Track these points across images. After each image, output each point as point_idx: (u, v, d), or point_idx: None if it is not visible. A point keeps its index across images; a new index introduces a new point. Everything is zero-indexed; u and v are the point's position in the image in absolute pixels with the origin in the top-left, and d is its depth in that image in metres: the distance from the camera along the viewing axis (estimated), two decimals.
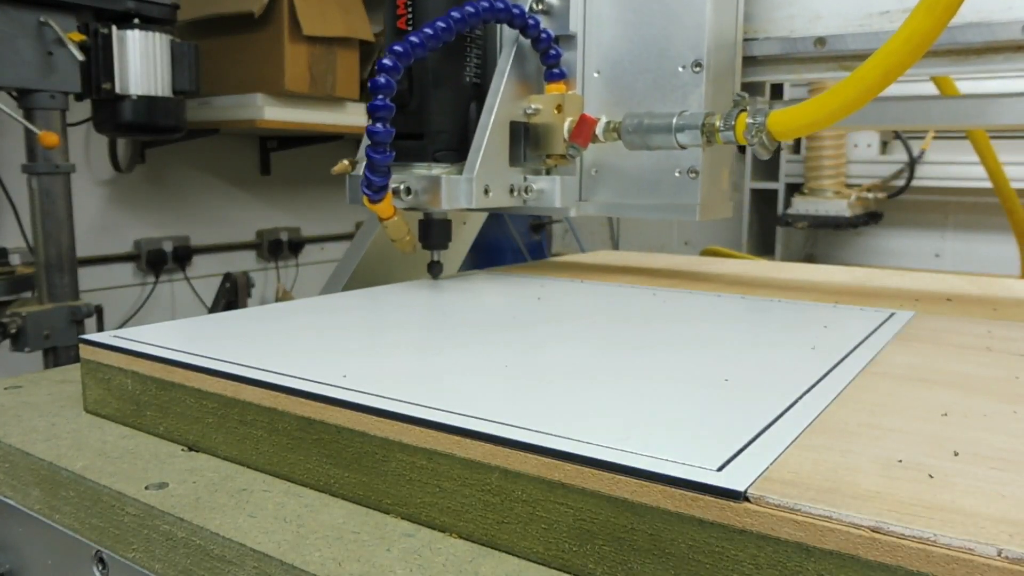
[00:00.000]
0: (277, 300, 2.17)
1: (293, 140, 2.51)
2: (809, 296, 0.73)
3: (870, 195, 2.63)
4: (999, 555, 0.24)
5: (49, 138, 1.44)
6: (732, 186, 0.83)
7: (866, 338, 0.54)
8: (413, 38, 0.64)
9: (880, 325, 0.58)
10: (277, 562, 0.33)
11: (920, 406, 0.39)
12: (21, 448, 0.44)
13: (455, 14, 0.67)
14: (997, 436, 0.34)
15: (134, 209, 2.24)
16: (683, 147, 0.69)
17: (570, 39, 0.79)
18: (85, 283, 1.85)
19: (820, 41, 0.78)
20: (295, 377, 0.42)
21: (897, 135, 2.61)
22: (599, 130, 0.73)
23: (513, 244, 2.58)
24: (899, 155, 2.63)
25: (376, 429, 0.37)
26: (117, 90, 1.64)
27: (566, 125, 0.74)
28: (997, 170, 1.27)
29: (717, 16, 0.75)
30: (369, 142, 0.64)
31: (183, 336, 0.52)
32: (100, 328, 1.68)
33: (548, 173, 0.79)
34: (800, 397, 0.39)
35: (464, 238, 1.06)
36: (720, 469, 0.30)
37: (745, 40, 0.82)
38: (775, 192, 2.77)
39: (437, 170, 0.72)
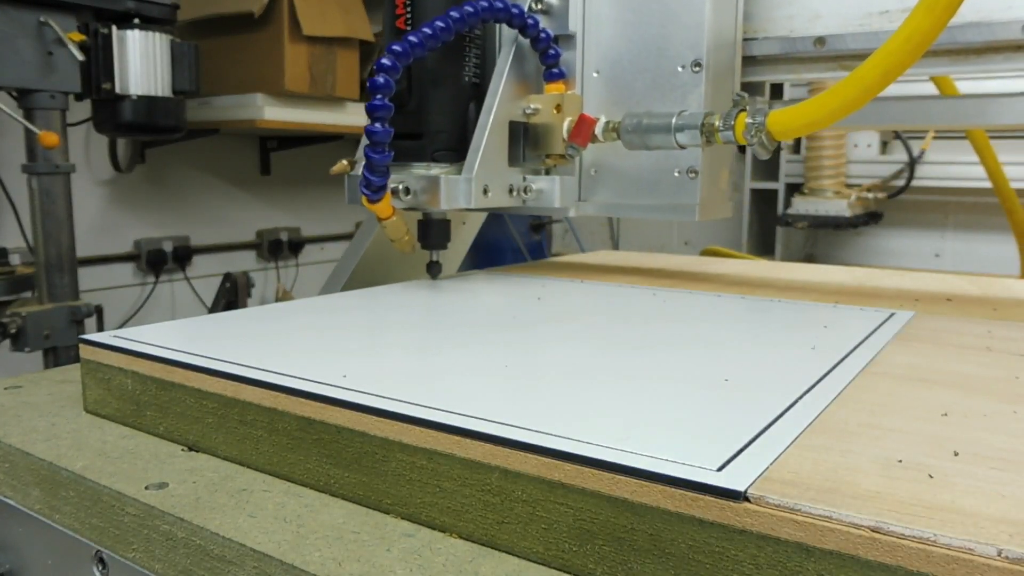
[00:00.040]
0: (277, 300, 2.17)
1: (293, 140, 2.51)
2: (809, 296, 0.73)
3: (870, 195, 2.63)
4: (999, 555, 0.24)
5: (49, 138, 1.44)
6: (732, 186, 0.83)
7: (866, 338, 0.54)
8: (412, 38, 0.64)
9: (880, 325, 0.58)
10: (277, 562, 0.33)
11: (920, 406, 0.39)
12: (21, 448, 0.44)
13: (454, 14, 0.67)
14: (997, 436, 0.34)
15: (134, 209, 2.24)
16: (682, 147, 0.69)
17: (569, 39, 0.79)
18: (85, 283, 1.85)
19: (820, 41, 0.78)
20: (295, 377, 0.42)
21: (897, 135, 2.61)
22: (598, 130, 0.73)
23: (513, 244, 2.58)
24: (899, 155, 2.63)
25: (376, 429, 0.37)
26: (117, 90, 1.64)
27: (565, 125, 0.74)
28: (996, 170, 1.27)
29: (716, 16, 0.75)
30: (368, 142, 0.64)
31: (183, 336, 0.52)
32: (100, 328, 1.68)
33: (547, 173, 0.79)
34: (800, 397, 0.39)
35: (463, 238, 1.06)
36: (720, 469, 0.30)
37: (744, 40, 0.82)
38: (775, 192, 2.78)
39: (436, 170, 0.72)
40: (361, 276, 0.92)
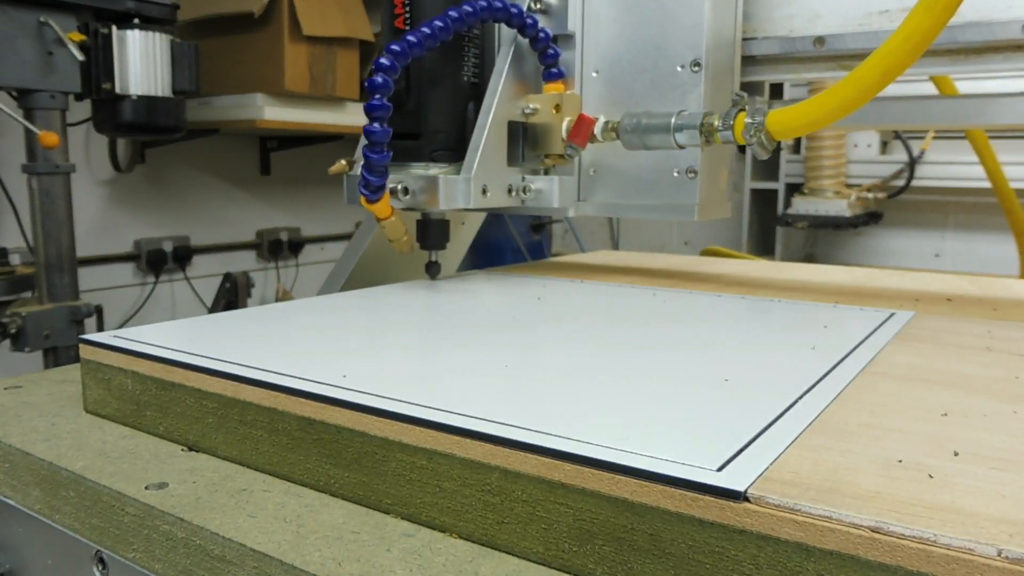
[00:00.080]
0: (277, 300, 2.17)
1: (293, 140, 2.51)
2: (809, 296, 0.73)
3: (870, 195, 2.63)
4: (999, 555, 0.24)
5: (49, 138, 1.44)
6: (732, 186, 0.83)
7: (866, 338, 0.54)
8: (411, 37, 0.64)
9: (880, 325, 0.59)
10: (277, 562, 0.33)
11: (920, 406, 0.39)
12: (21, 448, 0.44)
13: (453, 13, 0.67)
14: (997, 436, 0.34)
15: (134, 209, 2.24)
16: (681, 147, 0.69)
17: (568, 38, 0.79)
18: (85, 283, 1.85)
19: (819, 40, 0.78)
20: (295, 377, 0.42)
21: (897, 135, 2.61)
22: (597, 130, 0.73)
23: (513, 244, 2.58)
24: (899, 155, 2.63)
25: (376, 429, 0.37)
26: (117, 90, 1.64)
27: (564, 125, 0.74)
28: (996, 170, 1.27)
29: (716, 15, 0.75)
30: (366, 142, 0.64)
31: (183, 336, 0.52)
32: (100, 328, 1.68)
33: (546, 173, 0.79)
34: (800, 397, 0.39)
35: (462, 238, 1.06)
36: (720, 469, 0.30)
37: (744, 39, 0.82)
38: (775, 192, 2.78)
39: (435, 170, 0.72)
40: (360, 276, 0.92)
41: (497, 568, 0.32)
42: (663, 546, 0.29)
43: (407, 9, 0.71)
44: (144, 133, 1.82)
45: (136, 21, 1.63)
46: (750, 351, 0.50)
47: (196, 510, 0.37)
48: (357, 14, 2.19)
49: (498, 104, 0.72)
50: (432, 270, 0.79)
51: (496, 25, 0.78)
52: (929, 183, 2.58)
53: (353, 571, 0.32)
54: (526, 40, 0.75)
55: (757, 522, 0.28)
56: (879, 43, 0.56)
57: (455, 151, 0.73)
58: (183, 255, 2.33)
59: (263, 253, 2.58)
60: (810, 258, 2.91)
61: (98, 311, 1.65)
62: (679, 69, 0.76)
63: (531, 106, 0.75)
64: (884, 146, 2.68)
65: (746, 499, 0.28)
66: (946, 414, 0.37)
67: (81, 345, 0.51)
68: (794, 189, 2.71)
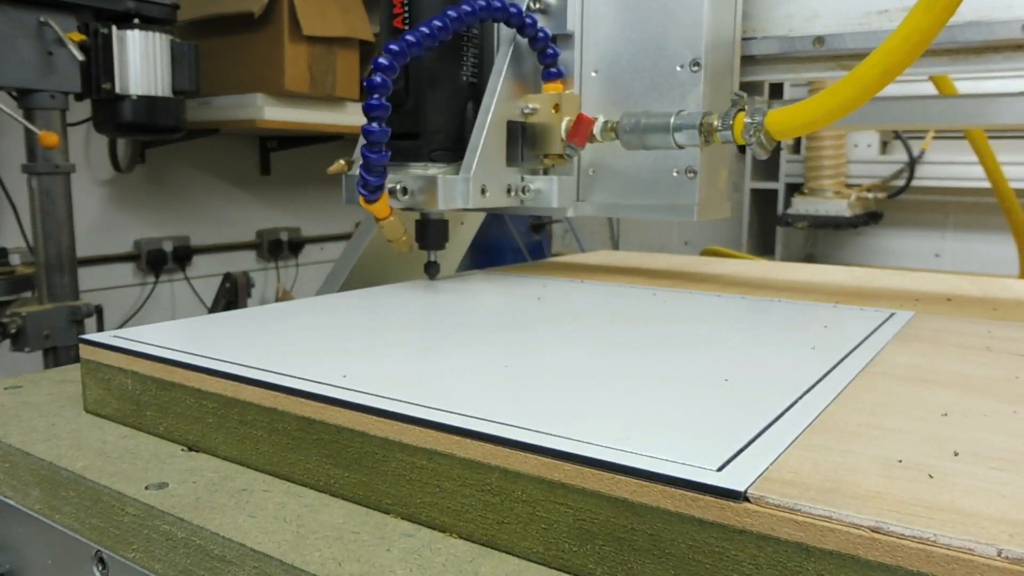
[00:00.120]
0: (277, 300, 2.17)
1: (293, 140, 2.51)
2: (809, 296, 0.73)
3: (870, 195, 2.63)
4: (999, 555, 0.24)
5: (49, 138, 1.44)
6: (732, 186, 0.83)
7: (866, 338, 0.54)
8: (409, 37, 0.64)
9: (880, 325, 0.59)
10: (277, 562, 0.33)
11: (920, 406, 0.39)
12: (21, 448, 0.44)
13: (452, 13, 0.66)
14: (997, 436, 0.34)
15: (134, 209, 2.24)
16: (680, 147, 0.69)
17: (567, 38, 0.79)
18: (85, 283, 1.85)
19: (818, 40, 0.78)
20: (295, 377, 0.42)
21: (897, 135, 2.61)
22: (596, 130, 0.73)
23: (513, 244, 2.58)
24: (899, 155, 2.63)
25: (376, 429, 0.37)
26: (117, 90, 1.64)
27: (563, 125, 0.74)
28: (995, 170, 1.27)
29: (715, 15, 0.75)
30: (365, 142, 0.64)
31: (183, 336, 0.52)
32: (100, 328, 1.68)
33: (545, 173, 0.79)
34: (800, 397, 0.39)
35: (462, 238, 1.06)
36: (720, 469, 0.30)
37: (743, 39, 0.82)
38: (775, 192, 2.78)
39: (433, 170, 0.72)
40: (359, 276, 0.92)
41: (497, 568, 0.32)
42: (663, 546, 0.29)
43: (406, 9, 0.71)
44: (144, 133, 1.82)
45: (136, 21, 1.63)
46: (750, 351, 0.50)
47: (196, 510, 0.37)
48: (357, 14, 2.19)
49: (497, 104, 0.72)
50: (431, 270, 0.79)
51: (495, 25, 0.78)
52: (929, 183, 2.58)
53: (353, 571, 0.32)
54: (525, 40, 0.75)
55: (757, 522, 0.28)
56: (878, 43, 0.56)
57: (454, 151, 0.73)
58: (183, 255, 2.33)
59: (263, 253, 2.58)
60: (810, 258, 2.91)
61: (98, 311, 1.65)
62: (678, 69, 0.76)
63: (530, 106, 0.75)
64: (884, 146, 2.68)
65: (746, 499, 0.28)
66: (946, 414, 0.38)
67: (81, 345, 0.51)
68: (794, 189, 2.71)
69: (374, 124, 0.63)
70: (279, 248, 2.61)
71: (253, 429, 0.42)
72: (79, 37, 1.51)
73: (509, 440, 0.33)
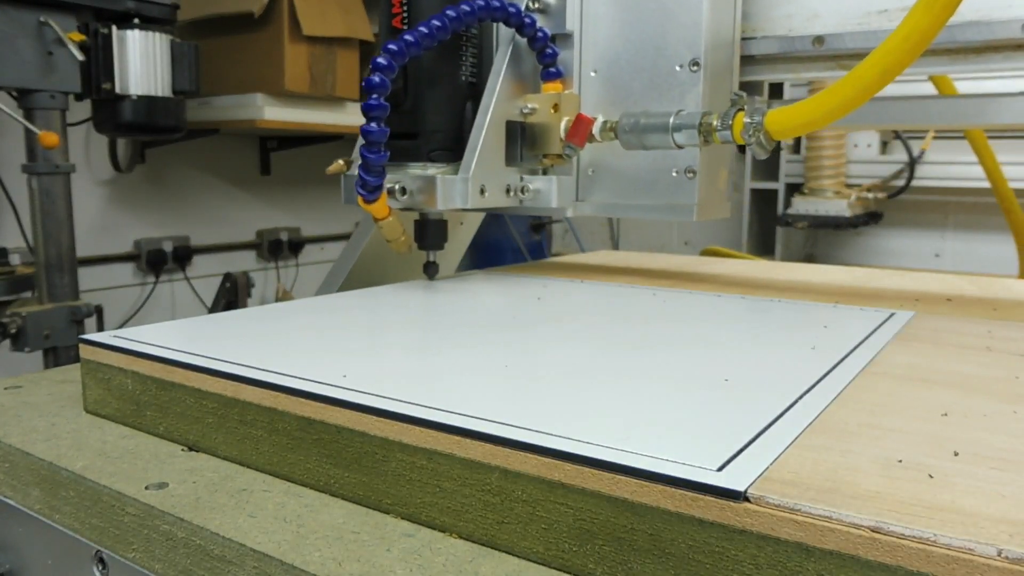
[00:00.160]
0: (277, 300, 2.17)
1: (293, 140, 2.51)
2: (809, 296, 0.73)
3: (870, 195, 2.63)
4: (999, 555, 0.24)
5: (49, 138, 1.44)
6: (732, 186, 0.83)
7: (866, 338, 0.54)
8: (408, 36, 0.64)
9: (880, 325, 0.59)
10: (277, 562, 0.33)
11: (920, 406, 0.39)
12: (21, 448, 0.44)
13: (451, 12, 0.66)
14: (997, 436, 0.34)
15: (134, 209, 2.24)
16: (680, 147, 0.69)
17: (567, 38, 0.79)
18: (85, 283, 1.85)
19: (818, 40, 0.78)
20: (295, 377, 0.42)
21: (897, 135, 2.61)
22: (596, 129, 0.73)
23: (513, 244, 2.58)
24: (899, 155, 2.63)
25: (376, 429, 0.37)
26: (117, 90, 1.64)
27: (562, 124, 0.74)
28: (995, 170, 1.27)
29: (714, 15, 0.75)
30: (363, 141, 0.64)
31: (183, 336, 0.52)
32: (100, 328, 1.68)
33: (545, 173, 0.79)
34: (800, 397, 0.39)
35: (461, 238, 1.06)
36: (720, 469, 0.30)
37: (743, 39, 0.82)
38: (775, 192, 2.78)
39: (432, 170, 0.72)
40: (358, 276, 0.92)
41: (497, 568, 0.32)
42: (663, 546, 0.29)
43: (405, 8, 0.71)
44: (144, 133, 1.82)
45: (136, 21, 1.64)
46: (750, 351, 0.50)
47: (196, 510, 0.37)
48: (357, 14, 2.19)
49: (496, 104, 0.72)
50: (430, 270, 0.79)
51: (494, 24, 0.78)
52: (929, 183, 2.58)
53: (353, 571, 0.32)
54: (524, 39, 0.75)
55: (757, 522, 0.28)
56: (878, 42, 0.56)
57: (453, 151, 0.73)
58: (183, 255, 2.33)
59: (263, 253, 2.58)
60: (810, 258, 2.91)
61: (98, 311, 1.65)
62: (678, 68, 0.76)
63: (529, 106, 0.75)
64: (884, 146, 2.68)
65: (746, 499, 0.28)
66: (946, 414, 0.38)
67: (81, 345, 0.51)
68: (794, 189, 2.71)
69: (373, 124, 0.63)
70: (279, 248, 2.61)
71: (253, 429, 0.42)
72: (79, 37, 1.51)
73: (509, 440, 0.33)
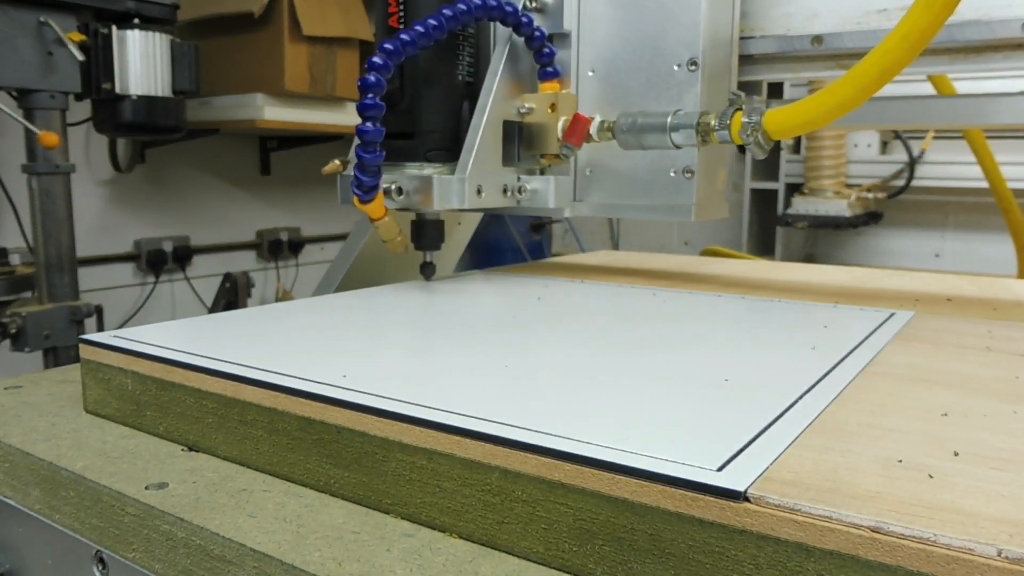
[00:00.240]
0: (277, 300, 2.17)
1: (293, 140, 2.51)
2: (809, 296, 0.73)
3: (870, 195, 2.63)
4: (999, 555, 0.24)
5: (49, 138, 1.44)
6: (732, 186, 0.83)
7: (866, 338, 0.54)
8: (404, 36, 0.64)
9: (880, 325, 0.59)
10: (277, 562, 0.33)
11: (920, 406, 0.39)
12: (21, 448, 0.44)
13: (447, 12, 0.66)
14: (997, 436, 0.34)
15: (134, 209, 2.24)
16: (678, 147, 0.69)
17: (564, 37, 0.79)
18: (85, 283, 1.85)
19: (817, 39, 0.78)
20: (295, 377, 0.42)
21: (897, 135, 2.61)
22: (593, 129, 0.72)
23: (513, 244, 2.58)
24: (899, 155, 2.63)
25: (376, 429, 0.37)
26: (117, 90, 1.64)
27: (560, 124, 0.74)
28: (993, 170, 1.27)
29: (713, 14, 0.75)
30: (359, 141, 0.64)
31: (183, 336, 0.52)
32: (100, 328, 1.68)
33: (542, 173, 0.79)
34: (800, 397, 0.39)
35: (459, 239, 1.06)
36: (720, 469, 0.30)
37: (741, 38, 0.82)
38: (775, 192, 2.78)
39: (429, 170, 0.72)
40: (356, 276, 0.92)
41: (497, 568, 0.32)
42: (663, 546, 0.29)
43: (401, 7, 0.71)
44: (144, 133, 1.82)
45: (136, 21, 1.63)
46: (750, 351, 0.50)
47: (196, 510, 0.37)
48: (357, 14, 2.19)
49: (493, 103, 0.72)
50: (427, 271, 0.78)
51: (491, 23, 0.78)
52: (929, 183, 2.58)
53: (353, 571, 0.32)
54: (521, 39, 0.75)
55: (757, 522, 0.28)
56: (877, 42, 0.56)
57: (450, 151, 0.73)
58: (183, 255, 2.33)
59: (263, 253, 2.58)
60: (810, 258, 2.91)
61: (98, 311, 1.65)
62: (676, 68, 0.76)
63: (526, 105, 0.75)
64: (884, 146, 2.68)
65: (746, 499, 0.28)
66: (946, 414, 0.38)
67: (81, 345, 0.51)
68: (794, 189, 2.71)
69: (368, 123, 0.63)
70: (279, 248, 2.61)
71: (253, 429, 0.42)
72: (79, 37, 1.51)
73: (509, 440, 0.33)
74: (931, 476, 0.30)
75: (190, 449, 0.45)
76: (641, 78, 0.77)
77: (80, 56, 1.50)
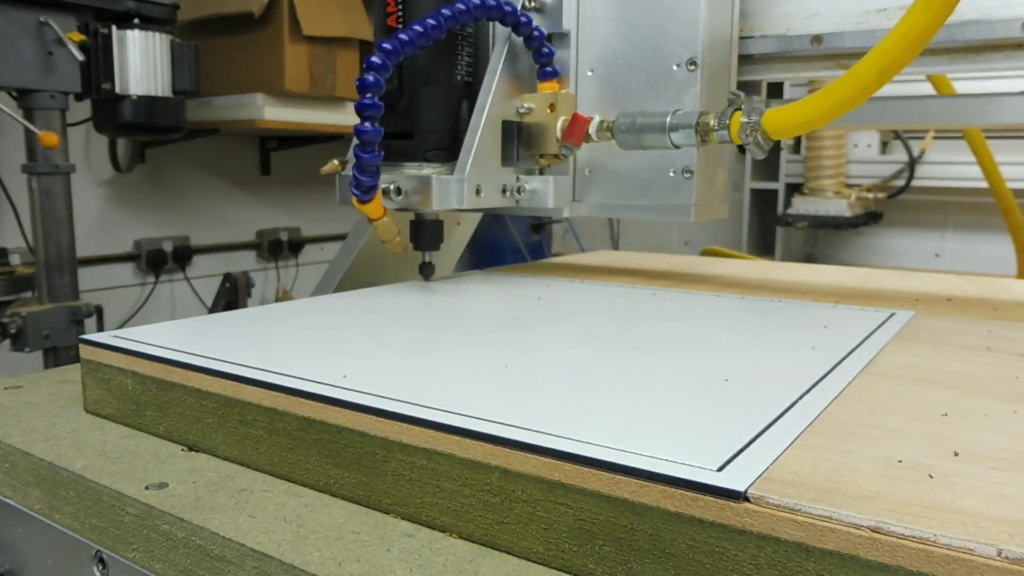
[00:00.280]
0: (277, 300, 2.17)
1: (293, 140, 2.51)
2: (809, 296, 0.73)
3: (870, 195, 2.63)
4: (999, 555, 0.24)
5: (49, 138, 1.44)
6: (732, 186, 0.83)
7: (866, 338, 0.54)
8: (403, 36, 0.64)
9: (880, 325, 0.59)
10: (277, 562, 0.33)
11: (920, 406, 0.39)
12: (21, 448, 0.44)
13: (446, 11, 0.66)
14: (997, 436, 0.34)
15: (134, 209, 2.24)
16: (677, 147, 0.69)
17: (563, 37, 0.79)
18: (85, 283, 1.85)
19: (817, 39, 0.78)
20: (295, 377, 0.42)
21: (897, 135, 2.61)
22: (592, 129, 0.72)
23: (513, 244, 2.58)
24: (899, 155, 2.63)
25: (376, 429, 0.37)
26: (117, 90, 1.64)
27: (559, 124, 0.74)
28: (993, 170, 1.27)
29: (712, 14, 0.75)
30: (358, 141, 0.64)
31: (183, 336, 0.52)
32: (100, 328, 1.68)
33: (541, 173, 0.79)
34: (800, 397, 0.39)
35: (458, 239, 1.06)
36: (720, 469, 0.30)
37: (741, 38, 0.82)
38: (775, 192, 2.78)
39: (428, 170, 0.72)
40: (355, 276, 0.92)
41: (497, 568, 0.32)
42: (663, 546, 0.29)
43: (400, 7, 0.71)
44: (144, 133, 1.82)
45: (136, 21, 1.63)
46: (750, 351, 0.50)
47: (196, 510, 0.37)
48: (357, 14, 2.19)
49: (492, 103, 0.72)
50: (426, 271, 0.78)
51: (490, 23, 0.77)
52: (929, 183, 2.58)
53: (353, 571, 0.32)
54: (520, 38, 0.75)
55: (757, 522, 0.28)
56: (877, 41, 0.56)
57: (448, 151, 0.73)
58: (183, 255, 2.33)
59: (263, 253, 2.58)
60: (810, 258, 2.91)
61: (98, 311, 1.65)
62: (675, 68, 0.75)
63: (525, 105, 0.75)
64: (884, 146, 2.68)
65: (746, 499, 0.28)
66: (946, 414, 0.38)
67: (81, 345, 0.51)
68: (794, 189, 2.71)
69: (367, 123, 0.63)
70: (279, 248, 2.61)
71: (253, 429, 0.42)
72: (79, 37, 1.51)
73: (509, 440, 0.33)
74: (931, 476, 0.30)
75: (190, 449, 0.45)
76: (640, 78, 0.77)
77: (80, 56, 1.50)
